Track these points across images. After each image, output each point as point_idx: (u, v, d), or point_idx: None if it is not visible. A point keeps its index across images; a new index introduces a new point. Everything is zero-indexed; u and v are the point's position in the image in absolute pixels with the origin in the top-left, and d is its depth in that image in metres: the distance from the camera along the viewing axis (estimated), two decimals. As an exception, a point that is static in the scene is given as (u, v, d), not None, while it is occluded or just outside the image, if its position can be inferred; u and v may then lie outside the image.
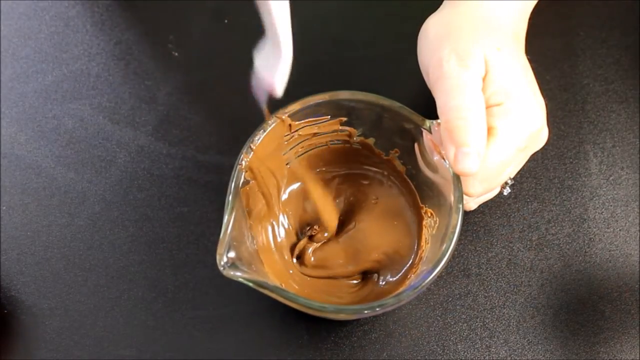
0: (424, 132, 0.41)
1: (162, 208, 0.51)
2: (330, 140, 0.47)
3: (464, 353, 0.47)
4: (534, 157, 0.46)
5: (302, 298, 0.38)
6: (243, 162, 0.41)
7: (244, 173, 0.41)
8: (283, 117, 0.42)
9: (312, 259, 0.47)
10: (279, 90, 0.39)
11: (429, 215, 0.45)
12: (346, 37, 0.57)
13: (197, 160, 0.53)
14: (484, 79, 0.41)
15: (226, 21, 0.58)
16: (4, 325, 0.48)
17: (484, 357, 0.47)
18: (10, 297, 0.49)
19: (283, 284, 0.44)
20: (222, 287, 0.48)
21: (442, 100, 0.40)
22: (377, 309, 0.38)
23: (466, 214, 0.49)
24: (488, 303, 0.48)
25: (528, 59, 0.44)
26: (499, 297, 0.48)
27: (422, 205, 0.46)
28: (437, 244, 0.41)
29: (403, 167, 0.46)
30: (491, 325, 0.47)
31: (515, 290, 0.48)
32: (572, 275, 0.48)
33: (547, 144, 0.44)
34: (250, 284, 0.37)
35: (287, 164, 0.47)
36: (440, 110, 0.40)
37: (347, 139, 0.46)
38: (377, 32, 0.57)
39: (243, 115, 0.45)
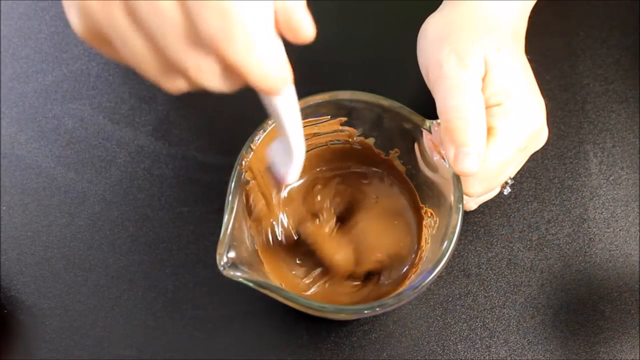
0: (424, 132, 0.41)
1: (162, 208, 0.51)
2: (330, 141, 0.47)
3: (464, 353, 0.47)
4: (533, 157, 0.46)
5: (302, 298, 0.38)
6: (243, 162, 0.41)
7: (244, 173, 0.41)
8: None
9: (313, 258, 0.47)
10: (292, 180, 0.39)
11: (429, 215, 0.45)
12: (346, 37, 0.57)
13: (197, 160, 0.53)
14: (483, 79, 0.41)
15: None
16: (4, 325, 0.48)
17: (484, 357, 0.47)
18: (10, 297, 0.49)
19: (283, 284, 0.44)
20: (222, 287, 0.48)
21: (441, 100, 0.40)
22: (377, 309, 0.38)
23: (466, 214, 0.49)
24: (488, 303, 0.48)
25: (528, 58, 0.44)
26: (499, 297, 0.48)
27: (422, 205, 0.46)
28: (437, 244, 0.41)
29: (403, 167, 0.46)
30: (491, 325, 0.47)
31: (515, 290, 0.48)
32: (572, 275, 0.48)
33: (547, 144, 0.44)
34: (250, 284, 0.37)
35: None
36: (440, 110, 0.40)
37: (347, 139, 0.46)
38: (377, 32, 0.57)
39: (243, 115, 0.45)
